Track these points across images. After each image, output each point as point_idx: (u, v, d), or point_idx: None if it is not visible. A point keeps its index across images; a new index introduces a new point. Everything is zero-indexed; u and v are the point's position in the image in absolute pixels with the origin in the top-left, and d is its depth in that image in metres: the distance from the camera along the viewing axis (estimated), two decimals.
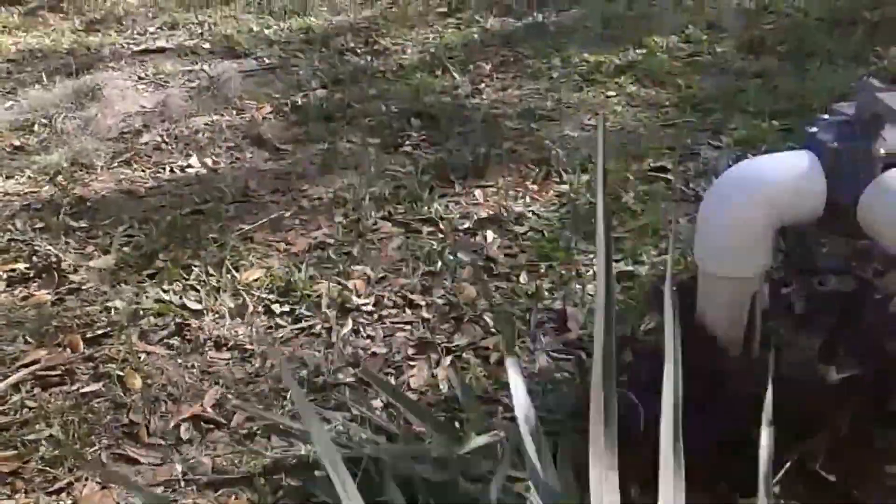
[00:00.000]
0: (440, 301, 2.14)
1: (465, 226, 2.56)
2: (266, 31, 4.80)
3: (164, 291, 2.20)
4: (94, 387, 1.86)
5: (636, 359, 1.69)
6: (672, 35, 4.24)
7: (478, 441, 1.43)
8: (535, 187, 2.80)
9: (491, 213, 2.63)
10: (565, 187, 2.76)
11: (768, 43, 3.95)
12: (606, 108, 3.40)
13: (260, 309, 2.15)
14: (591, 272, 2.24)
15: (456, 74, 3.97)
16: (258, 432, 1.73)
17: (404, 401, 1.63)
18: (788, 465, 1.34)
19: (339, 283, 2.23)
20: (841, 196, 1.40)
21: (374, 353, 1.96)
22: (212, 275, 2.28)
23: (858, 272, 1.65)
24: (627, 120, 3.27)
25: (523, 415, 1.30)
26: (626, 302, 2.09)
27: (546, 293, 2.15)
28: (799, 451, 1.41)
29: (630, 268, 2.24)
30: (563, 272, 2.25)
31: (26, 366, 1.90)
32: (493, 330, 2.00)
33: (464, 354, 1.93)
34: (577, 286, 2.17)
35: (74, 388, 1.85)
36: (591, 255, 2.32)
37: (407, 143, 3.20)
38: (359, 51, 4.46)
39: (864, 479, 1.41)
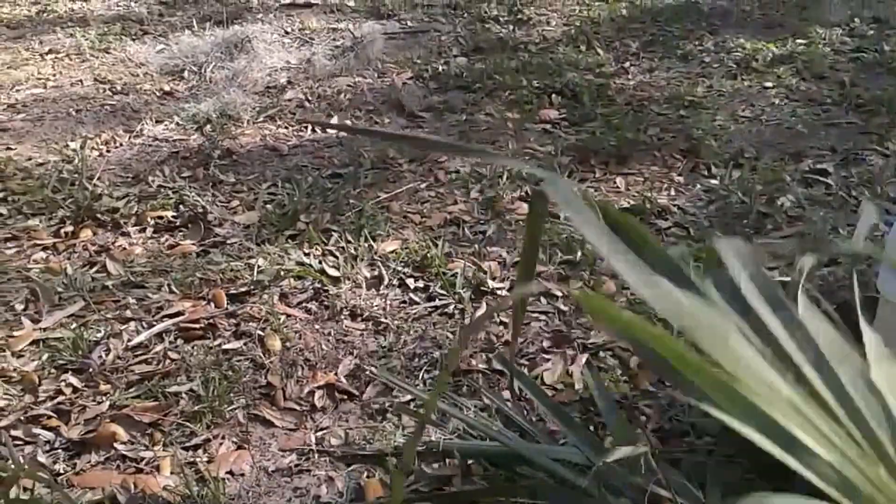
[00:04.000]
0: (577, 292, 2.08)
1: None
2: None
3: (305, 255, 2.22)
4: (235, 344, 1.89)
5: None
6: (836, 27, 3.98)
7: (622, 451, 1.37)
8: (682, 179, 2.69)
9: (633, 203, 2.54)
10: (715, 182, 2.64)
11: None
12: (763, 100, 3.22)
13: (395, 282, 2.14)
14: None
15: (601, 51, 3.85)
16: (390, 409, 1.73)
17: (543, 398, 1.58)
18: None
19: (474, 264, 2.19)
20: None
21: (507, 342, 1.92)
22: (350, 242, 2.29)
23: None
24: (785, 115, 3.09)
25: None
26: None
27: None
28: None
29: (786, 279, 2.11)
30: None
31: (171, 316, 1.96)
32: None
33: (601, 353, 1.87)
34: None
35: (216, 343, 1.89)
36: None
37: (547, 120, 3.13)
38: (502, 19, 4.38)
39: None
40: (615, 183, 2.69)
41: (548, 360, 1.86)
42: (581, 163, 2.81)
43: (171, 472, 1.54)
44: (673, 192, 2.61)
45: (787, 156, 2.76)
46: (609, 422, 1.54)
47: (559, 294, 2.08)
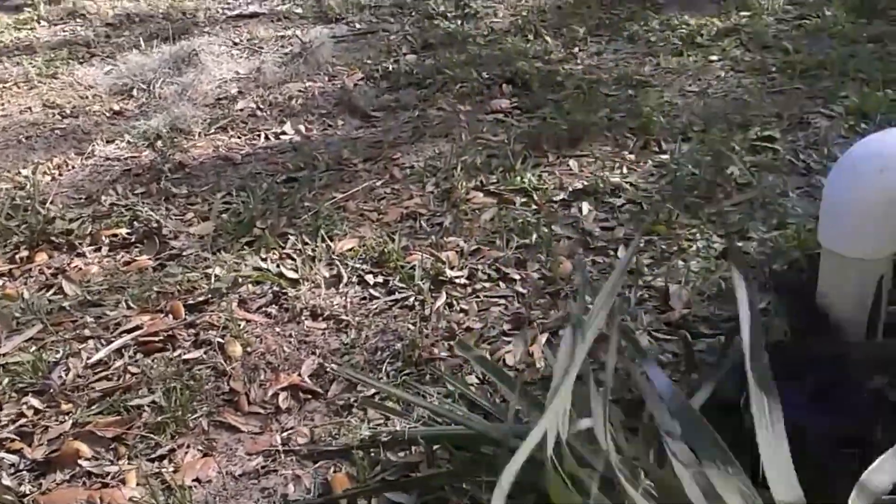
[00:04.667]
0: (535, 275, 2.10)
1: (560, 197, 2.49)
2: None
3: (262, 259, 2.22)
4: (195, 353, 1.89)
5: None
6: None
7: (580, 424, 1.39)
8: (633, 157, 2.71)
9: (586, 184, 2.56)
10: (665, 157, 2.67)
11: (881, 6, 3.71)
12: (709, 73, 3.26)
13: (354, 279, 2.15)
14: (694, 248, 2.15)
15: (549, 38, 3.87)
16: (355, 404, 1.73)
17: (503, 378, 1.59)
18: None
19: (432, 255, 2.20)
20: None
21: (468, 328, 1.93)
22: (307, 243, 2.29)
23: None
24: (732, 86, 3.12)
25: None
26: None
27: (645, 269, 2.08)
28: None
29: (738, 244, 2.15)
30: (664, 247, 2.17)
31: (129, 331, 1.95)
32: (590, 307, 1.94)
33: (560, 331, 1.88)
34: (681, 262, 2.09)
35: (176, 354, 1.89)
36: (694, 230, 2.23)
37: (498, 110, 3.14)
38: (449, 15, 4.39)
39: None
40: (568, 165, 2.71)
41: (508, 342, 1.87)
42: (534, 148, 2.82)
43: (137, 484, 1.54)
44: (625, 170, 2.63)
45: (735, 126, 2.79)
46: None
47: (517, 278, 2.09)
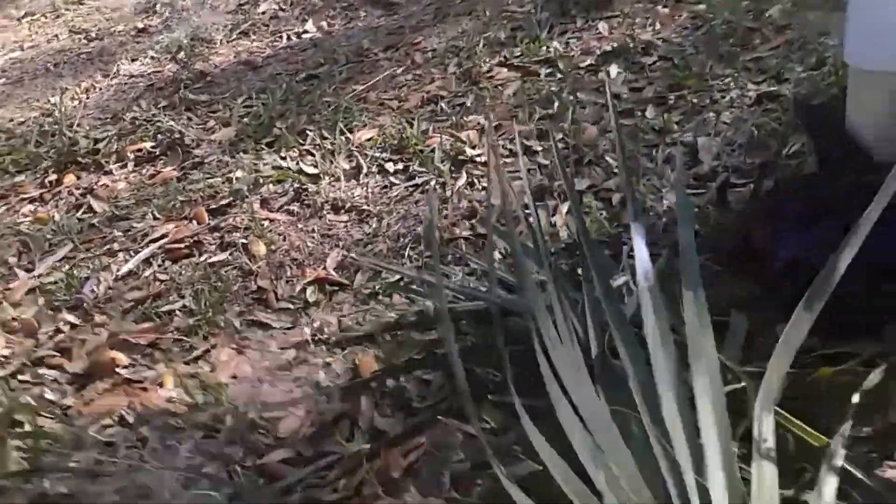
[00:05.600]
0: (559, 145, 2.01)
1: (587, 63, 2.37)
2: None
3: (282, 158, 2.19)
4: (221, 256, 1.89)
5: (778, 187, 1.53)
6: None
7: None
8: (667, 11, 2.55)
9: (615, 45, 2.42)
10: (701, 7, 2.50)
11: None
12: None
13: (374, 169, 2.10)
14: (727, 98, 2.02)
15: None
16: (380, 291, 1.71)
17: (521, 249, 1.54)
18: None
19: (452, 136, 2.13)
20: None
21: (490, 205, 1.88)
22: (326, 138, 2.25)
23: None
24: None
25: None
26: (768, 125, 1.88)
27: (675, 126, 1.97)
28: None
29: (772, 88, 2.01)
30: (696, 101, 2.05)
31: (155, 241, 1.96)
32: (615, 171, 1.86)
33: (584, 198, 1.81)
34: (711, 114, 1.97)
35: (202, 258, 1.90)
36: (728, 80, 2.09)
37: None
38: None
39: None
40: (598, 29, 2.57)
41: (530, 215, 1.81)
42: (561, 15, 2.68)
43: (175, 386, 1.56)
44: (658, 26, 2.48)
45: None
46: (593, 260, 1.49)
47: (539, 149, 2.01)
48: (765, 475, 0.96)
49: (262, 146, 2.28)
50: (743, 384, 1.08)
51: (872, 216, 1.10)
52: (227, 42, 3.11)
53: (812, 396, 1.12)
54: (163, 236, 1.98)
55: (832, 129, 1.42)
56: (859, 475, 1.00)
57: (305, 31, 3.13)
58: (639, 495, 0.99)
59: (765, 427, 1.00)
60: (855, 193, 1.20)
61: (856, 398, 1.04)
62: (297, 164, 2.16)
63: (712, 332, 1.12)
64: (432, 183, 1.99)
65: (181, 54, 3.01)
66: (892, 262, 1.23)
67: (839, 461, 0.97)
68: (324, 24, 3.15)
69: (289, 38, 3.09)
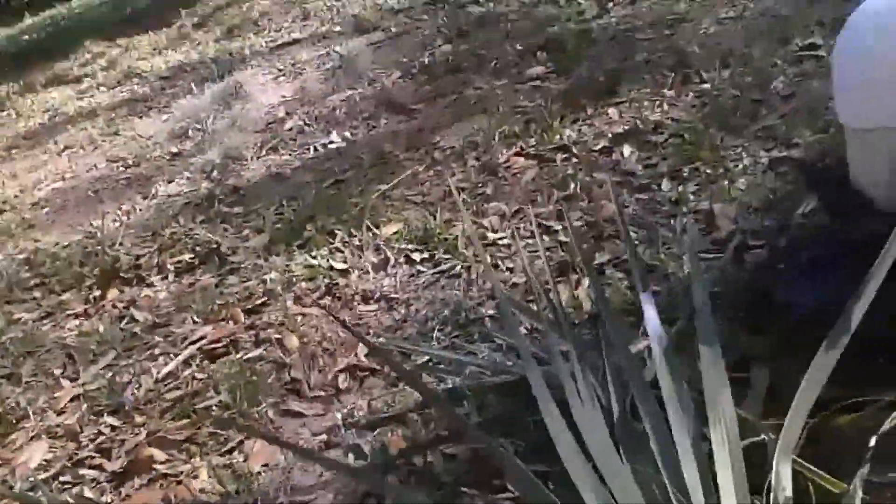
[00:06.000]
0: (577, 223, 2.06)
1: (600, 146, 2.45)
2: (390, 2, 4.84)
3: (313, 257, 2.27)
4: (256, 352, 1.95)
5: (791, 244, 1.55)
6: None
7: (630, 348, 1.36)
8: (672, 93, 2.64)
9: (626, 127, 2.50)
10: (706, 86, 2.58)
11: None
12: None
13: (401, 260, 2.17)
14: (740, 166, 2.07)
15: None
16: (400, 378, 1.74)
17: (544, 321, 1.57)
18: None
19: (474, 223, 2.20)
20: None
21: (514, 284, 1.92)
22: (354, 235, 2.33)
23: None
24: (769, 4, 3.00)
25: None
26: (782, 189, 1.91)
27: (691, 196, 2.02)
28: None
29: (783, 153, 2.06)
30: (710, 171, 2.10)
31: (194, 342, 2.03)
32: (635, 242, 1.89)
33: (606, 271, 1.84)
34: (726, 183, 2.01)
35: (238, 356, 1.95)
36: (739, 149, 2.15)
37: (534, 77, 3.12)
38: (480, 0, 4.39)
39: None
40: (608, 115, 2.66)
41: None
42: (571, 105, 2.79)
43: (209, 477, 1.59)
44: (666, 107, 2.56)
45: (776, 42, 2.68)
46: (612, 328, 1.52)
47: (559, 228, 2.07)
48: None
49: (294, 248, 2.37)
50: (763, 437, 1.08)
51: (886, 263, 1.13)
52: (258, 158, 3.26)
53: (833, 445, 1.11)
54: (201, 338, 2.04)
55: (837, 187, 1.46)
56: None
57: (331, 142, 3.27)
58: None
59: (783, 476, 1.00)
60: (866, 242, 1.23)
61: (873, 441, 1.04)
62: (328, 261, 2.23)
63: (729, 386, 1.13)
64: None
65: (214, 172, 3.16)
66: None
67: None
68: (347, 133, 3.29)
69: (315, 149, 3.24)
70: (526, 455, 1.24)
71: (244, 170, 3.15)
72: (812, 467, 1.05)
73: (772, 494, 1.02)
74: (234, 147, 3.37)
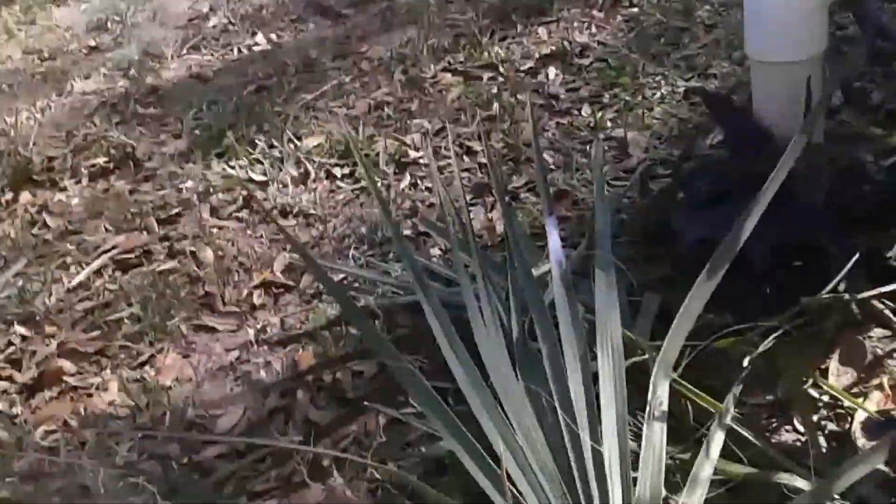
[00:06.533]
0: (499, 145, 2.08)
1: (527, 66, 2.45)
2: None
3: (231, 167, 2.24)
4: (170, 264, 1.94)
5: (692, 174, 1.60)
6: None
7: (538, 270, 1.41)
8: (602, 15, 2.64)
9: (554, 48, 2.50)
10: (635, 10, 2.59)
11: None
12: None
13: (322, 174, 2.16)
14: (657, 94, 2.11)
15: None
16: (324, 292, 1.77)
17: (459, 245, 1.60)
18: (857, 256, 1.23)
19: (396, 140, 2.20)
20: None
21: (431, 204, 1.94)
22: (275, 146, 2.30)
23: None
24: None
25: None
26: (693, 119, 1.96)
27: (608, 123, 2.05)
28: (867, 244, 1.29)
29: (700, 84, 2.10)
30: (628, 98, 2.13)
31: (106, 252, 2.00)
32: (551, 168, 1.93)
33: (522, 194, 1.88)
34: (642, 111, 2.05)
35: (151, 267, 1.94)
36: (658, 77, 2.18)
37: None
38: None
39: None
40: (537, 34, 2.65)
41: (471, 211, 1.87)
42: (502, 20, 2.76)
43: (119, 391, 1.61)
44: (594, 29, 2.57)
45: None
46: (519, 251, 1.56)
47: (480, 150, 2.08)
48: (654, 436, 1.03)
49: (212, 156, 2.33)
50: (647, 356, 1.14)
51: (768, 193, 1.19)
52: (178, 57, 3.15)
53: (716, 368, 1.19)
54: (113, 247, 2.02)
55: (740, 120, 1.50)
56: (749, 436, 1.07)
57: (256, 44, 3.17)
58: (543, 465, 1.06)
59: (660, 392, 1.07)
60: (759, 175, 1.28)
61: (745, 362, 1.11)
62: (246, 172, 2.21)
63: (618, 308, 1.19)
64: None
65: (132, 70, 3.05)
66: (796, 238, 1.31)
67: (727, 421, 1.03)
68: (273, 35, 3.20)
69: (239, 50, 3.14)
70: (430, 373, 1.28)
71: (163, 69, 3.04)
72: (689, 386, 1.13)
73: (647, 409, 1.09)
74: (153, 42, 3.25)
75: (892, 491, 1.03)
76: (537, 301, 1.31)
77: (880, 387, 1.19)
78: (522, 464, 1.08)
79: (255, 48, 3.13)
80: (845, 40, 2.02)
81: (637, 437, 1.09)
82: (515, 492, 1.02)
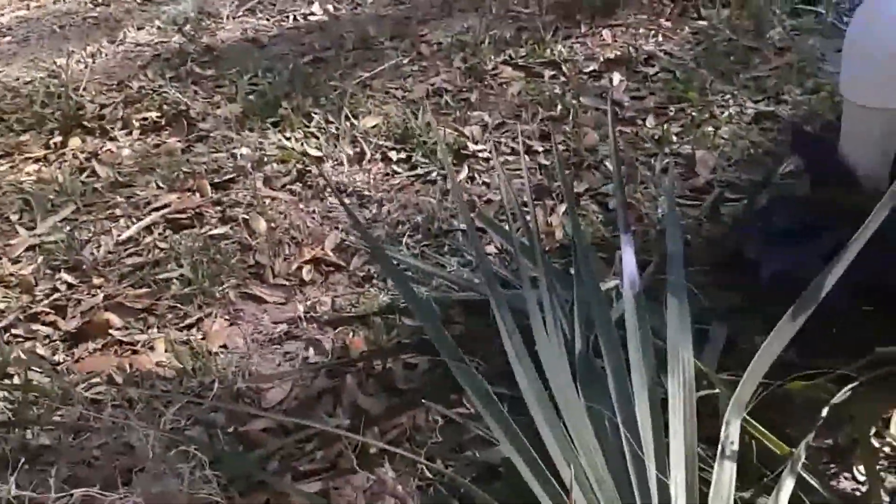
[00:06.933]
0: (560, 147, 2.06)
1: (591, 68, 2.42)
2: None
3: (287, 139, 2.23)
4: (221, 229, 1.93)
5: (771, 204, 1.59)
6: None
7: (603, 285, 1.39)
8: (669, 24, 2.60)
9: (619, 53, 2.47)
10: (703, 23, 2.55)
11: None
12: None
13: (377, 156, 2.14)
14: (726, 114, 2.08)
15: None
16: (376, 275, 1.76)
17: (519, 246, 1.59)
18: None
19: (455, 130, 2.18)
20: None
21: (489, 200, 1.93)
22: (331, 122, 2.28)
23: None
24: None
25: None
26: (764, 144, 1.94)
27: (674, 137, 2.03)
28: None
29: (770, 108, 2.07)
30: (695, 114, 2.11)
31: (157, 209, 1.99)
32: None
33: (581, 201, 1.86)
34: (710, 129, 2.03)
35: (203, 230, 1.93)
36: (727, 96, 2.15)
37: None
38: None
39: None
40: (601, 36, 2.61)
41: (528, 213, 1.85)
42: (566, 19, 2.73)
43: (166, 351, 1.60)
44: (661, 38, 2.53)
45: None
46: (586, 261, 1.55)
47: (540, 150, 2.06)
48: (724, 475, 1.02)
49: (268, 125, 2.31)
50: (717, 390, 1.13)
51: (862, 238, 1.17)
52: (234, 18, 3.13)
53: (783, 409, 1.18)
54: (165, 205, 2.01)
55: (825, 155, 1.49)
56: (815, 484, 1.06)
57: (312, 13, 3.15)
58: (604, 489, 1.05)
59: (731, 431, 1.06)
60: (844, 216, 1.27)
61: (824, 412, 1.10)
62: (302, 145, 2.19)
63: (691, 338, 1.18)
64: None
65: (187, 27, 3.02)
66: (879, 285, 1.29)
67: (798, 468, 1.02)
68: (330, 7, 3.17)
69: (295, 18, 3.12)
70: (486, 376, 1.27)
71: (219, 29, 3.02)
72: (759, 426, 1.12)
73: (719, 446, 1.08)
74: (210, 1, 3.22)
75: None
76: (605, 317, 1.30)
77: None
78: (583, 484, 1.07)
79: (312, 18, 3.10)
80: None
81: (702, 472, 1.08)
82: None
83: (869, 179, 1.39)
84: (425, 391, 1.41)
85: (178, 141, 2.31)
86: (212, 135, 2.31)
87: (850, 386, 1.14)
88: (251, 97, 2.48)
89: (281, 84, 2.51)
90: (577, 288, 1.37)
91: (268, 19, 3.11)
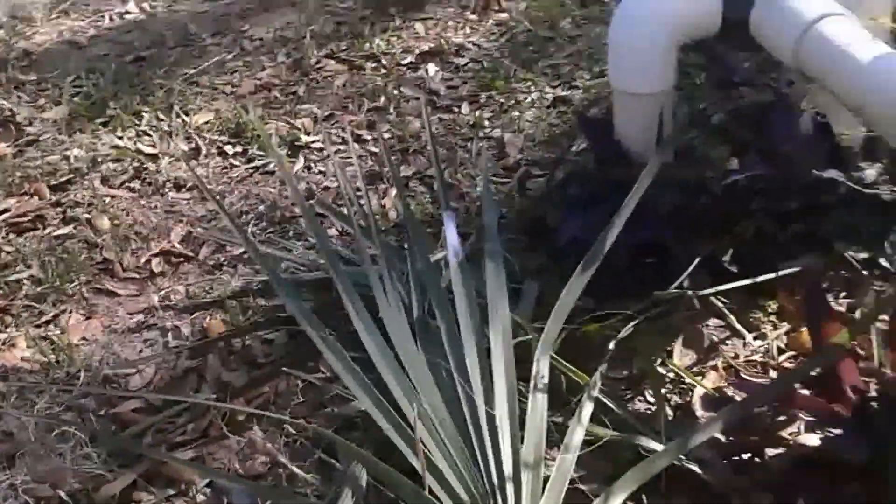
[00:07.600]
0: (386, 135, 2.26)
1: (408, 60, 2.63)
2: None
3: (119, 138, 2.28)
4: (65, 229, 1.98)
5: (566, 179, 1.86)
6: None
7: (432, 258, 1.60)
8: (475, 17, 2.86)
9: (432, 45, 2.70)
10: (504, 16, 2.83)
11: None
12: None
13: (213, 151, 2.25)
14: (528, 99, 2.35)
15: None
16: (225, 263, 1.88)
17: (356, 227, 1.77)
18: (698, 259, 1.51)
19: (287, 123, 2.32)
20: (735, 13, 1.55)
21: (326, 188, 2.09)
22: (162, 120, 2.36)
23: (773, 84, 1.81)
24: None
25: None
26: (561, 126, 2.22)
27: (486, 122, 2.27)
28: (709, 250, 1.57)
29: (565, 93, 2.36)
30: (503, 101, 2.36)
31: None
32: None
33: (410, 184, 2.07)
34: (516, 114, 2.29)
35: (47, 231, 1.97)
36: (529, 83, 2.42)
37: None
38: None
39: (762, 270, 1.58)
40: (415, 29, 2.83)
41: (362, 197, 2.04)
42: (381, 13, 2.92)
43: (27, 347, 1.66)
44: (468, 30, 2.78)
45: None
46: (417, 237, 1.75)
47: (369, 138, 2.25)
48: (538, 404, 1.26)
49: (98, 126, 2.35)
50: (530, 336, 1.38)
51: (631, 204, 1.46)
52: (48, 21, 3.09)
53: (583, 346, 1.44)
54: (5, 210, 2.03)
55: (603, 136, 1.78)
56: (613, 406, 1.32)
57: (128, 12, 3.16)
58: (444, 426, 1.26)
59: (542, 367, 1.31)
60: (620, 188, 1.55)
61: (611, 346, 1.37)
62: (135, 143, 2.26)
63: (507, 295, 1.42)
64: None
65: (2, 32, 2.96)
66: (650, 241, 1.59)
67: (595, 392, 1.29)
68: (146, 5, 3.19)
69: (111, 18, 3.12)
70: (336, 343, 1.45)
71: (34, 32, 2.98)
72: (564, 362, 1.37)
73: (532, 381, 1.32)
74: (19, 5, 3.15)
75: (720, 450, 1.29)
76: (436, 284, 1.52)
77: (715, 368, 1.47)
78: (427, 422, 1.28)
79: (128, 16, 3.13)
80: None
81: (521, 403, 1.32)
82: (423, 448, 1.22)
83: (640, 156, 1.69)
84: (284, 362, 1.57)
85: (8, 146, 2.31)
86: (41, 139, 2.32)
87: (632, 323, 1.41)
88: (76, 99, 2.50)
89: (106, 85, 2.55)
90: (411, 261, 1.58)
91: (83, 20, 3.09)
